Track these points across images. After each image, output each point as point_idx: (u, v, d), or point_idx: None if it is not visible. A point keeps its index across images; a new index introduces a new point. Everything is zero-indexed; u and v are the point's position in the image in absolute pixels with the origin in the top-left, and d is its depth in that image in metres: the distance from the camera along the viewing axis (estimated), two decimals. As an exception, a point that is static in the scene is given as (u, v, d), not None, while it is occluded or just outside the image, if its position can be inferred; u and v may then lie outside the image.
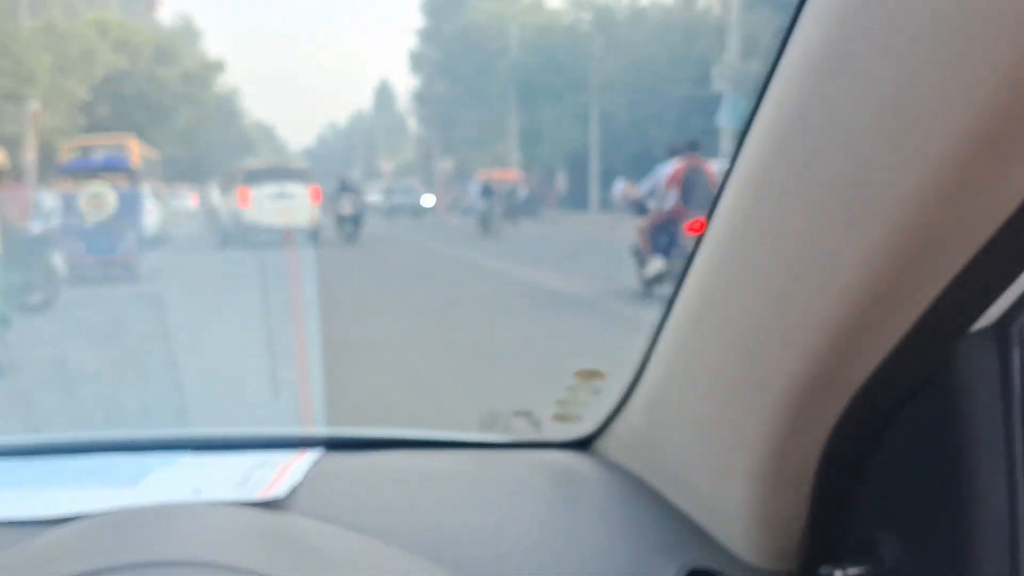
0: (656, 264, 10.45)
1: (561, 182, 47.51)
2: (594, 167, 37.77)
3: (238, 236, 22.63)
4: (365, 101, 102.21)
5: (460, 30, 58.84)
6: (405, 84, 78.33)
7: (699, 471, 1.05)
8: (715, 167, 11.00)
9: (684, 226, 10.01)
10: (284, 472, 1.19)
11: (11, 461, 1.29)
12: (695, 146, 11.16)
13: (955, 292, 0.65)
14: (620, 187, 18.90)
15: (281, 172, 25.04)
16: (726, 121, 24.45)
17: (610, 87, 37.03)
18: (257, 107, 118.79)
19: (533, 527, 1.13)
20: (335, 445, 1.37)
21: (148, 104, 36.84)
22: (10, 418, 1.61)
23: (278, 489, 1.12)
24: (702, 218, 1.12)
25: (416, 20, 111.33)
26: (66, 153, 27.00)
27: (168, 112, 37.56)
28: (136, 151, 29.11)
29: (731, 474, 0.95)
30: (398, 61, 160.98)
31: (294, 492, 1.13)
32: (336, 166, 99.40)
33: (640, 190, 11.69)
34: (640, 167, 37.44)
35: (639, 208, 11.43)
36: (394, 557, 0.97)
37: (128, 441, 1.40)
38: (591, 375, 1.38)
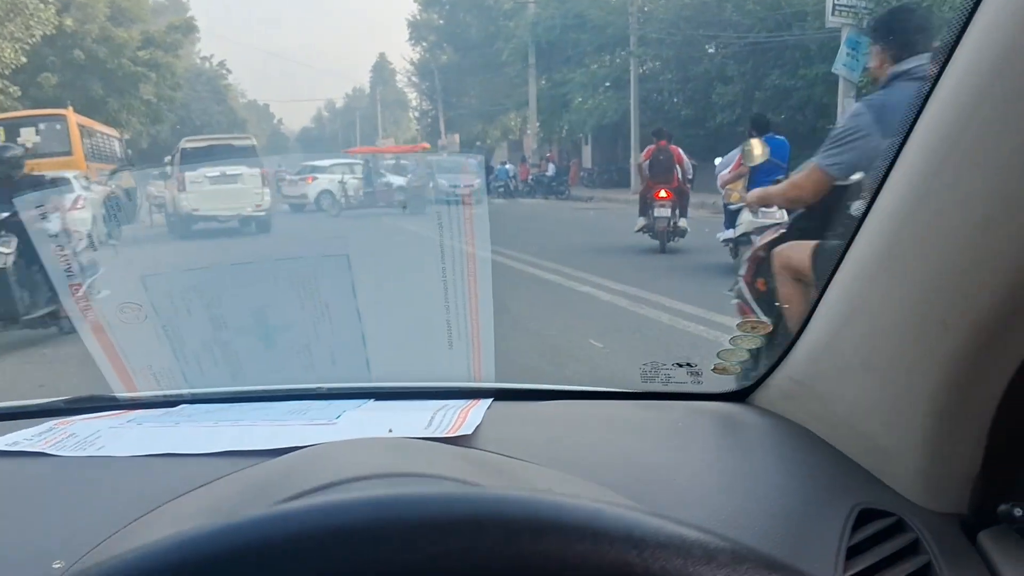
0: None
1: (587, 156, 40.71)
2: (635, 138, 30.92)
3: (180, 227, 18.90)
4: (363, 77, 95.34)
5: (465, -10, 51.87)
6: (405, 57, 71.05)
7: (869, 415, 1.03)
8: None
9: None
10: (464, 416, 1.25)
11: (222, 405, 1.42)
12: (661, 134, 13.65)
13: None
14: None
15: (222, 150, 20.71)
16: (847, 69, 17.75)
17: (655, 42, 30.02)
18: (251, 87, 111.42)
19: (697, 466, 1.13)
20: (505, 395, 1.42)
21: (103, 72, 29.84)
22: (216, 368, 1.59)
23: (463, 428, 1.19)
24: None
25: None
26: None
27: (129, 81, 30.55)
28: (73, 127, 22.34)
29: (905, 418, 0.93)
30: (397, 33, 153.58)
31: (476, 431, 1.18)
32: (334, 145, 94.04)
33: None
34: (694, 139, 30.78)
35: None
36: (576, 481, 1.00)
37: (317, 391, 1.47)
38: (756, 326, 1.38)
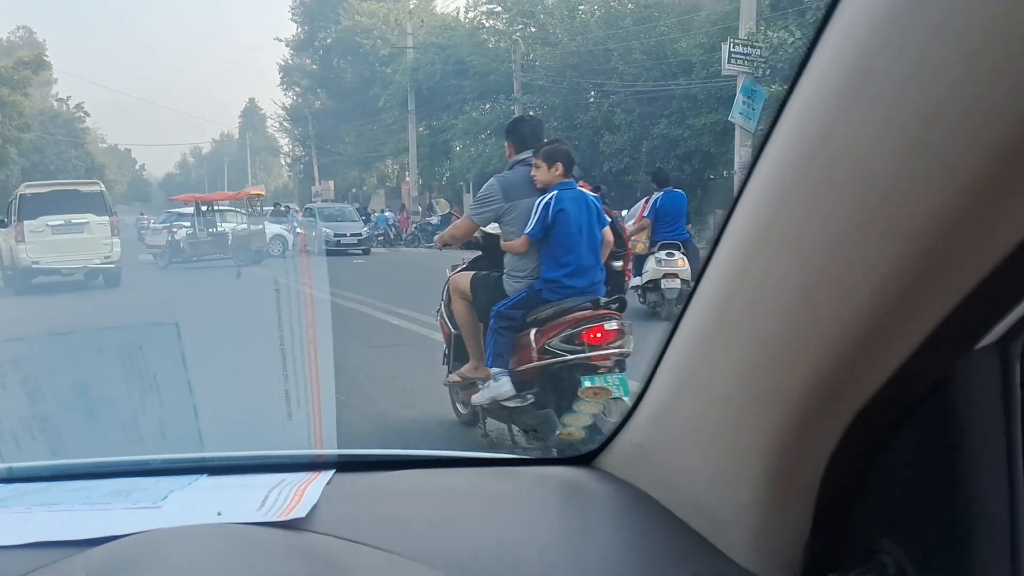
0: None
1: (469, 204, 39.71)
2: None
3: (17, 282, 17.43)
4: (231, 123, 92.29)
5: (338, 35, 50.19)
6: (277, 102, 68.61)
7: (703, 483, 1.03)
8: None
9: None
10: (301, 493, 1.20)
11: (38, 485, 1.31)
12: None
13: (963, 311, 0.65)
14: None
15: (67, 197, 18.19)
16: (743, 117, 17.29)
17: (540, 90, 29.36)
18: (112, 131, 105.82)
19: (543, 540, 1.12)
20: (346, 465, 1.37)
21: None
22: (35, 443, 1.42)
23: (298, 510, 1.13)
24: None
25: (285, 30, 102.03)
26: None
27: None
28: None
29: (737, 484, 0.94)
30: (268, 77, 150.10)
31: (312, 512, 1.13)
32: (200, 192, 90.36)
33: None
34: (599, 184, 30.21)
35: None
36: (416, 571, 0.98)
37: (147, 464, 1.40)
38: (598, 392, 1.40)
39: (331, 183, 53.22)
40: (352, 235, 27.31)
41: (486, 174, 33.65)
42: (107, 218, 18.40)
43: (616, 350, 4.17)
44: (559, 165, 4.55)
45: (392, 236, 32.65)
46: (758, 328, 0.84)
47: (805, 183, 0.73)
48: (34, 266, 17.25)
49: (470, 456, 1.48)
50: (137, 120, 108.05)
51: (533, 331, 4.41)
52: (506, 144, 5.12)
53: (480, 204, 4.76)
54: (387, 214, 33.82)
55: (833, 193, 0.69)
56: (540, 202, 4.47)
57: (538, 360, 4.30)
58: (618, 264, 5.54)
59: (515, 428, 1.66)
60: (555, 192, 4.47)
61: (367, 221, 34.00)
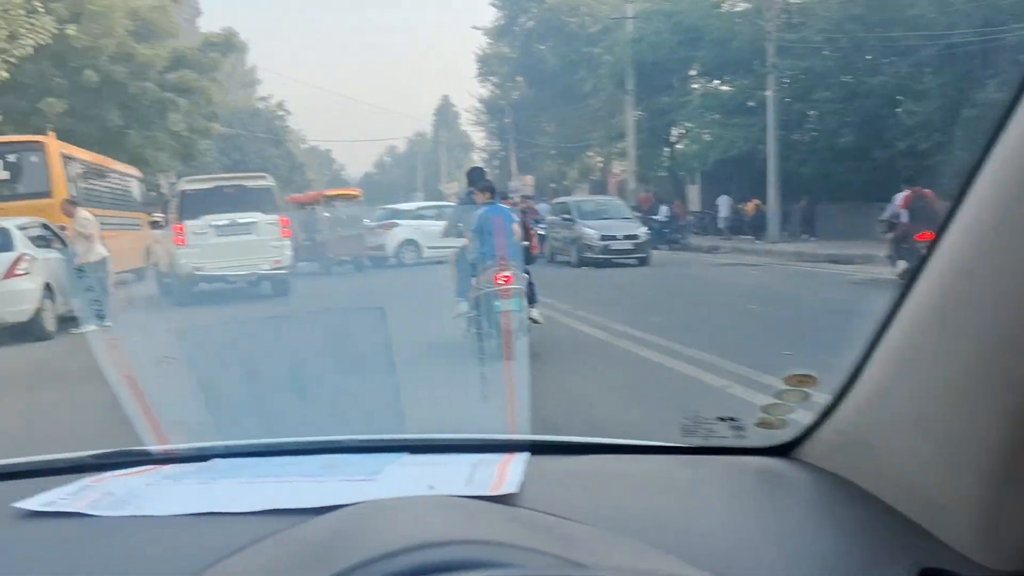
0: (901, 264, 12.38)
1: (694, 197, 33.80)
2: (773, 174, 24.00)
3: (177, 291, 14.73)
4: (425, 121, 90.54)
5: (541, 16, 45.49)
6: (473, 94, 65.13)
7: (925, 471, 0.98)
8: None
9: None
10: (504, 471, 1.20)
11: (254, 459, 1.38)
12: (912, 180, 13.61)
13: None
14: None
15: (231, 193, 15.17)
16: None
17: (803, 53, 23.16)
18: (312, 131, 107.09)
19: (749, 529, 1.09)
20: (540, 448, 1.37)
21: (123, 97, 23.82)
22: (249, 421, 1.50)
23: (507, 485, 1.14)
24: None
25: (484, 17, 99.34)
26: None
27: (155, 109, 24.48)
28: (54, 160, 16.18)
29: (965, 472, 0.90)
30: (463, 70, 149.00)
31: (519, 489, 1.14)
32: (396, 191, 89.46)
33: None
34: (853, 175, 23.46)
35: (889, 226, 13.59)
36: (625, 543, 0.97)
37: (351, 443, 1.43)
38: (802, 379, 1.34)
39: (530, 177, 48.60)
40: (626, 238, 19.83)
41: (727, 161, 27.85)
42: (276, 217, 15.08)
43: (514, 285, 7.60)
44: (488, 194, 8.57)
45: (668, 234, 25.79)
46: (993, 315, 0.80)
47: None
48: (196, 273, 14.22)
49: (662, 444, 1.44)
50: (336, 121, 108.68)
51: (473, 278, 7.99)
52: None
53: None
54: (663, 206, 27.84)
55: None
56: (476, 214, 8.33)
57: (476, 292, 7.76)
58: (526, 243, 8.83)
59: (708, 416, 1.31)
60: (483, 209, 8.33)
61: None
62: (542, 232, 20.99)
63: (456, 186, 67.27)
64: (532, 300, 8.10)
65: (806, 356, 4.57)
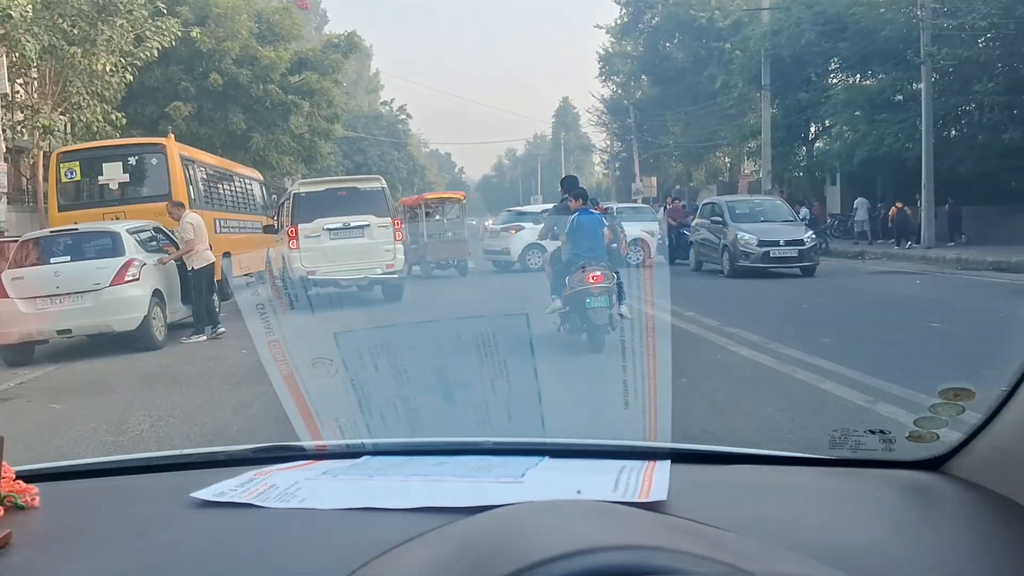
0: None
1: (834, 199, 31.50)
2: (926, 174, 21.76)
3: (296, 293, 10.72)
4: (545, 123, 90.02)
5: (667, 12, 43.71)
6: (595, 94, 63.77)
7: None
8: None
9: None
10: (649, 479, 1.21)
11: (402, 458, 1.43)
12: None
13: None
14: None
15: (345, 195, 14.67)
16: None
17: (966, 39, 20.92)
18: (432, 135, 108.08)
19: (905, 544, 1.05)
20: (681, 457, 1.36)
21: (246, 100, 23.65)
22: (396, 421, 1.69)
23: (654, 493, 1.14)
24: None
25: (607, 15, 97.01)
26: (56, 162, 14.32)
27: (278, 112, 24.25)
28: (174, 162, 15.87)
29: None
30: (584, 70, 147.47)
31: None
32: (514, 194, 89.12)
33: None
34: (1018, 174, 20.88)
35: None
36: (782, 552, 0.95)
37: (495, 445, 1.48)
38: (959, 393, 1.27)
39: (653, 179, 47.03)
40: (788, 243, 16.86)
41: (870, 161, 25.64)
42: (389, 220, 14.36)
43: (604, 284, 8.13)
44: (580, 200, 9.07)
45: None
46: None
47: None
48: (310, 277, 13.42)
49: (807, 456, 1.41)
50: (456, 124, 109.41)
51: (566, 277, 8.54)
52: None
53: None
54: (803, 208, 25.78)
55: None
56: (569, 219, 8.87)
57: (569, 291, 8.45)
58: (615, 246, 9.28)
59: (857, 429, 1.30)
60: (576, 214, 8.85)
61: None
62: (687, 236, 19.67)
63: (641, 183, 66.39)
64: (621, 298, 8.38)
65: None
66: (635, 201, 40.69)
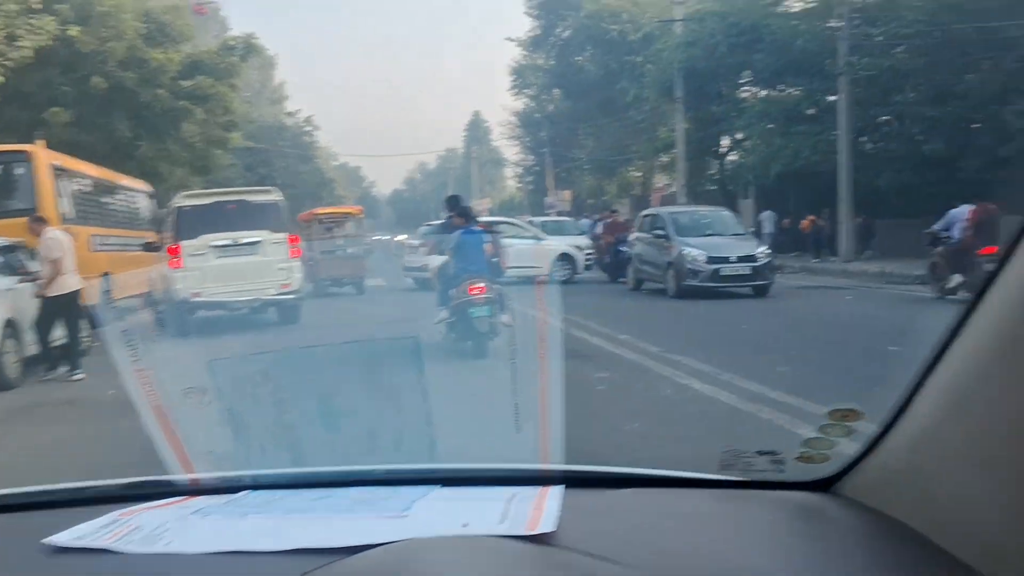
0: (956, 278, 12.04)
1: (747, 213, 31.20)
2: (845, 188, 21.41)
3: (172, 321, 12.72)
4: (456, 137, 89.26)
5: (579, 25, 43.20)
6: (507, 108, 63.01)
7: (986, 514, 0.92)
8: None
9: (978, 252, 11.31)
10: (539, 507, 1.19)
11: (284, 492, 1.35)
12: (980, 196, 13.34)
13: None
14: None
15: (233, 209, 13.23)
16: None
17: (885, 47, 20.64)
18: (342, 148, 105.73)
19: (793, 569, 1.06)
20: (574, 481, 1.35)
21: (133, 106, 21.73)
22: (278, 451, 1.60)
23: (543, 524, 1.11)
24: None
25: (519, 27, 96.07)
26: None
27: (168, 118, 22.38)
28: (42, 173, 14.06)
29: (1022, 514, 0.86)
30: (496, 82, 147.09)
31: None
32: (426, 208, 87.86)
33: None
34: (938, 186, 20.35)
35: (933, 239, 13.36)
36: None
37: (382, 474, 1.43)
38: (846, 414, 1.31)
39: (567, 193, 46.36)
40: (740, 260, 15.29)
41: (786, 175, 25.22)
42: (284, 236, 13.08)
43: (486, 295, 8.65)
44: (463, 218, 9.68)
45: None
46: None
47: None
48: (195, 299, 12.34)
49: (700, 477, 1.40)
50: (366, 137, 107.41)
51: (452, 289, 9.11)
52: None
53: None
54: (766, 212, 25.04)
55: None
56: (454, 235, 9.44)
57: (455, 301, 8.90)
58: (496, 260, 9.75)
59: (748, 451, 1.32)
60: (460, 232, 9.40)
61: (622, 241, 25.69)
62: (626, 250, 18.46)
63: (488, 202, 65.49)
64: (503, 307, 8.95)
65: None
66: (548, 214, 39.90)
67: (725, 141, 31.16)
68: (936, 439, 1.01)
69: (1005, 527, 0.88)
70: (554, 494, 1.24)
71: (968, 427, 0.94)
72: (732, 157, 30.89)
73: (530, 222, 23.38)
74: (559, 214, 38.09)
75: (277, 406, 1.60)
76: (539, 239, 20.38)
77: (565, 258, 20.31)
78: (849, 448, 1.25)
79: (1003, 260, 0.85)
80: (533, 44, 48.29)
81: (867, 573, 1.02)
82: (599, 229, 22.27)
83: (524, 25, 55.09)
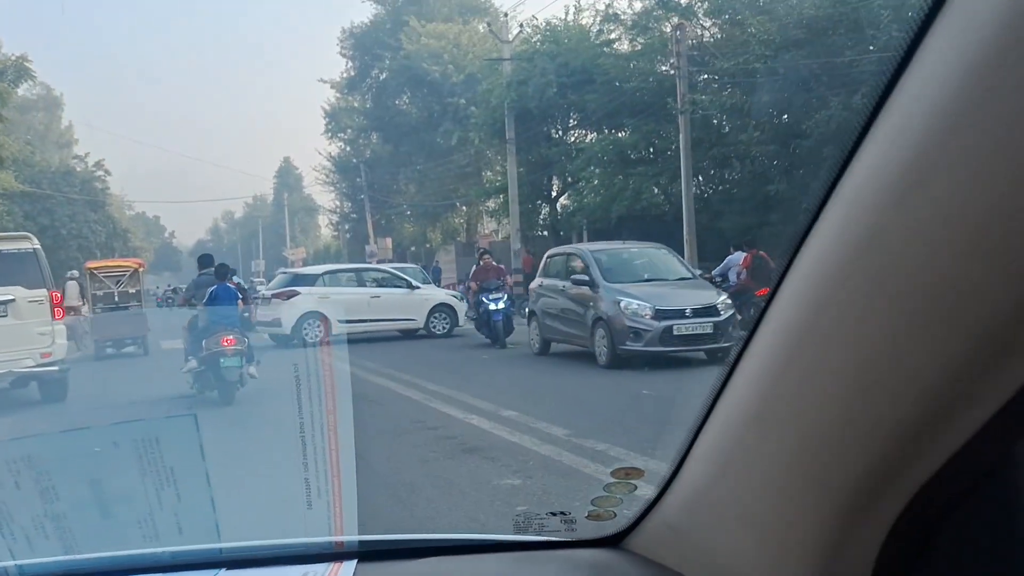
0: None
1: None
2: (688, 230, 20.52)
3: None
4: (264, 184, 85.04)
5: (397, 66, 41.27)
6: (322, 152, 60.08)
7: (746, 568, 0.97)
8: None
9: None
10: None
11: None
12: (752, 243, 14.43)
13: (1021, 397, 0.61)
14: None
15: None
16: None
17: (727, 83, 20.00)
18: (139, 197, 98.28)
19: None
20: (369, 554, 1.35)
21: None
22: (47, 540, 1.52)
23: None
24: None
25: (330, 71, 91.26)
26: None
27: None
28: None
29: (782, 572, 0.90)
30: (308, 130, 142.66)
31: None
32: (233, 258, 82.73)
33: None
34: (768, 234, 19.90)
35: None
36: None
37: (162, 558, 1.37)
38: (629, 472, 1.39)
39: (388, 240, 44.03)
40: (697, 313, 11.17)
41: (631, 216, 24.27)
42: (45, 292, 10.45)
43: (236, 347, 9.14)
44: (212, 270, 10.67)
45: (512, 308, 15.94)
46: (809, 413, 0.80)
47: (861, 268, 0.69)
48: None
49: (494, 540, 1.44)
50: (166, 184, 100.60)
51: (203, 340, 9.47)
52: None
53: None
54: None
55: (892, 279, 0.66)
56: (207, 290, 10.22)
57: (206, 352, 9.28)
58: (247, 314, 10.81)
59: (542, 513, 1.41)
60: (215, 287, 10.16)
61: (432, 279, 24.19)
62: (492, 304, 14.83)
63: (303, 252, 62.01)
64: (250, 359, 9.46)
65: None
66: (370, 261, 37.41)
67: (556, 184, 30.12)
68: (706, 497, 1.05)
69: None
70: (346, 570, 1.25)
71: (736, 487, 0.97)
72: (564, 201, 29.80)
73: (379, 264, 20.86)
74: (379, 261, 35.76)
75: (43, 495, 1.47)
76: (413, 286, 17.97)
77: (443, 309, 17.77)
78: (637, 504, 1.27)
79: (755, 324, 0.87)
80: (348, 86, 46.00)
81: None
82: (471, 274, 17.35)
83: (339, 65, 52.64)
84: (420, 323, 17.45)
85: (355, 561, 1.28)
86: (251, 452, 6.74)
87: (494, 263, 16.59)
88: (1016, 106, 0.55)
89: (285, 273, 19.60)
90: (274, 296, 17.11)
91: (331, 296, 16.95)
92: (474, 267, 17.17)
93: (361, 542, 1.39)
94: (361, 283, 18.07)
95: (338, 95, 47.63)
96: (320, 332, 15.99)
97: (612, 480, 1.38)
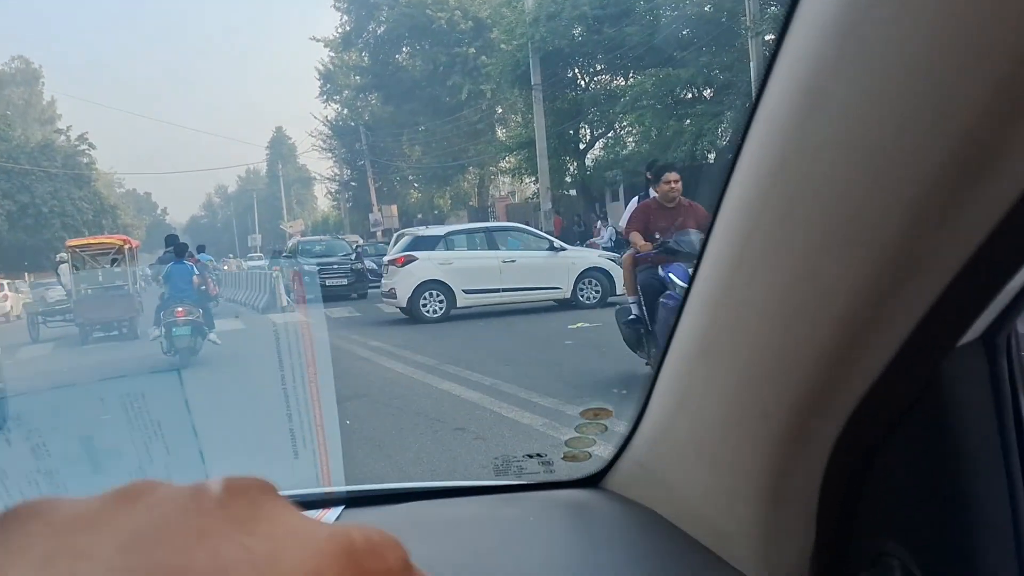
0: None
1: (620, 215, 26.89)
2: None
3: None
4: (258, 155, 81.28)
5: (397, 17, 37.53)
6: (317, 116, 56.23)
7: (707, 498, 1.02)
8: None
9: None
10: None
11: None
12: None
13: (941, 309, 0.63)
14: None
15: None
16: None
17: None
18: (130, 174, 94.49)
19: (558, 564, 1.13)
20: (355, 501, 1.38)
21: None
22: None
23: None
24: None
25: (327, 25, 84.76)
26: None
27: None
28: None
29: (736, 500, 0.94)
30: (302, 96, 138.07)
31: None
32: (228, 234, 79.08)
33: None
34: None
35: None
36: None
37: None
38: (598, 412, 1.40)
39: (394, 208, 40.57)
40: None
41: (688, 166, 20.90)
42: None
43: (187, 317, 10.06)
44: (176, 253, 11.58)
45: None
46: (743, 346, 0.82)
47: (775, 195, 0.71)
48: None
49: (477, 485, 1.44)
50: (157, 158, 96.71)
51: (162, 312, 10.50)
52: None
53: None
54: (609, 228, 19.91)
55: (804, 204, 0.67)
56: (165, 267, 10.74)
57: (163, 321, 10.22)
58: (203, 288, 11.37)
59: (520, 454, 1.59)
60: (170, 264, 11.10)
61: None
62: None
63: (301, 224, 58.56)
64: (210, 327, 10.69)
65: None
66: (375, 236, 34.10)
67: (588, 134, 26.72)
68: (668, 435, 1.07)
69: (723, 511, 0.95)
70: (331, 516, 1.27)
71: (687, 424, 1.00)
72: (595, 153, 26.42)
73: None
74: (387, 230, 32.38)
75: (34, 452, 1.49)
76: (556, 249, 14.61)
77: (595, 274, 14.19)
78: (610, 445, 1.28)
79: (696, 266, 0.89)
80: (344, 42, 42.20)
81: (627, 562, 1.08)
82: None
83: (332, 21, 48.81)
84: (566, 292, 14.13)
85: (342, 507, 1.30)
86: (237, 407, 6.81)
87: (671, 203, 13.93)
88: (903, 24, 0.54)
89: (405, 234, 16.08)
90: (390, 263, 14.25)
91: (454, 262, 13.80)
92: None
93: (348, 491, 1.41)
94: (492, 245, 14.73)
95: (333, 53, 43.88)
96: (442, 305, 13.32)
97: (582, 421, 1.39)
